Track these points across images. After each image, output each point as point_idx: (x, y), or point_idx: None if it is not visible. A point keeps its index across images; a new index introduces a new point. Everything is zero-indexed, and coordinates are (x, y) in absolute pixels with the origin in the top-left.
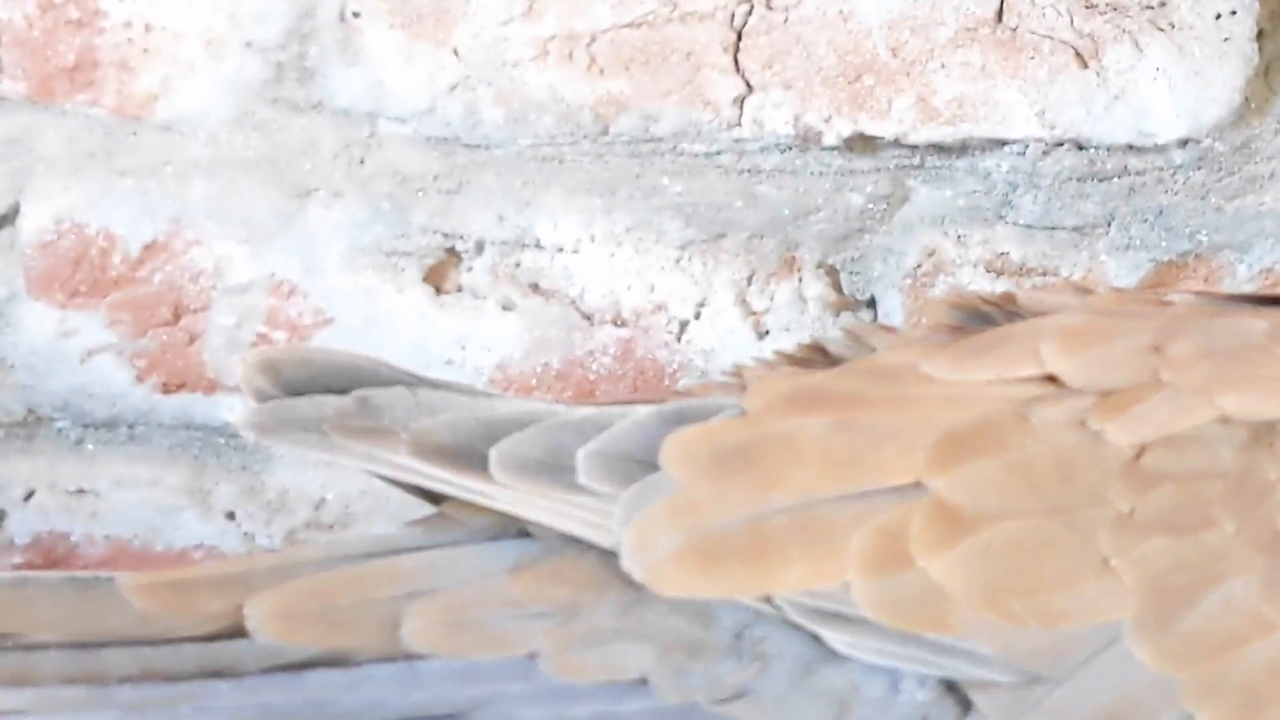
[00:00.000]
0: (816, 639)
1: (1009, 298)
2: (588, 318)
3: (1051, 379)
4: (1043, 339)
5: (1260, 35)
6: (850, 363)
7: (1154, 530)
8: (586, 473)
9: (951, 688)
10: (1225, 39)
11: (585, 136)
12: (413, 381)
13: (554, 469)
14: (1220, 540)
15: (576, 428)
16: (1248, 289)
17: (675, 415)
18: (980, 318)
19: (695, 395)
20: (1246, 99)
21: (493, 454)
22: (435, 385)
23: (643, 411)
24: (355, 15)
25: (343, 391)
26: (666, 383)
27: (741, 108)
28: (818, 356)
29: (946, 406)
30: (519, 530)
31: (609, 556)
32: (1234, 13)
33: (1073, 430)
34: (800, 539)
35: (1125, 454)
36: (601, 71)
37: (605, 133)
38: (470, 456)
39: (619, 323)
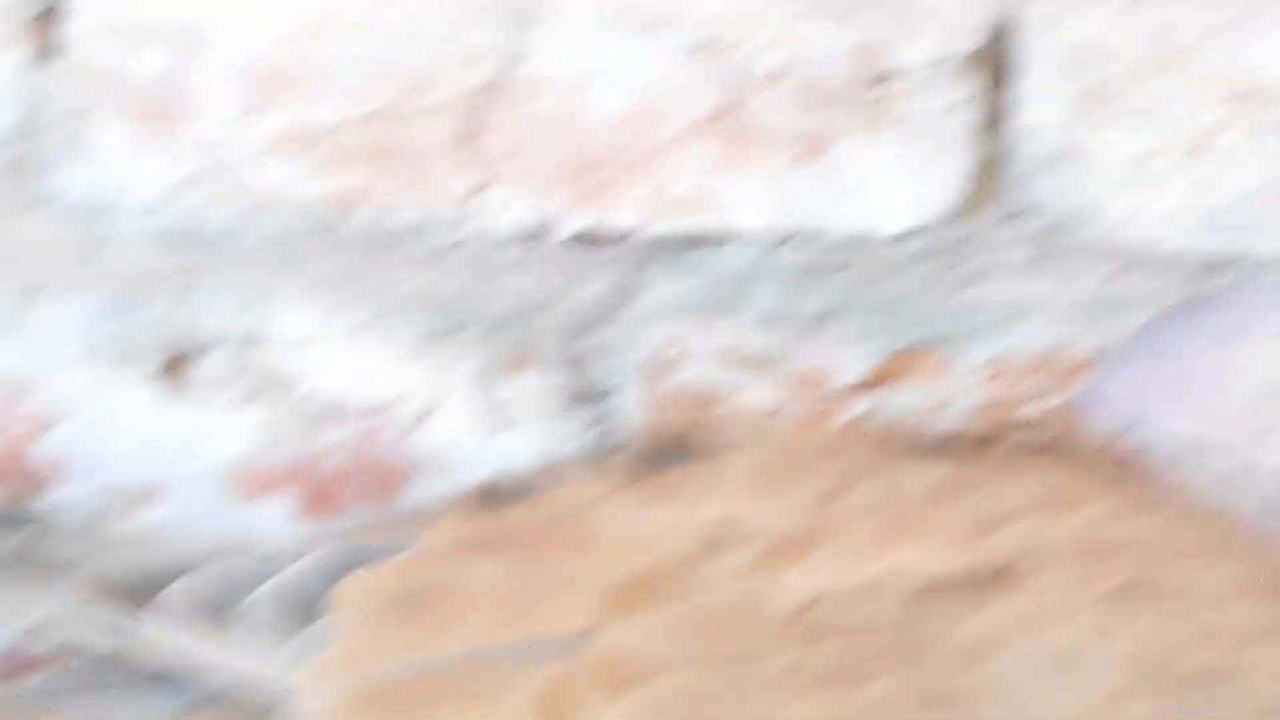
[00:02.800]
0: None
1: (699, 426)
2: (324, 413)
3: (731, 521)
4: (723, 480)
5: (985, 128)
6: (534, 499)
7: (819, 684)
8: (257, 616)
9: None
10: (950, 132)
11: (321, 230)
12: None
13: (223, 611)
14: (883, 694)
15: (250, 568)
16: (973, 378)
17: (352, 556)
18: (669, 452)
19: (376, 530)
20: (971, 191)
21: (163, 595)
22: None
23: (319, 552)
24: (85, 110)
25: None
26: (404, 477)
27: (477, 201)
28: (503, 493)
29: (624, 549)
30: (189, 673)
31: (281, 701)
32: (958, 106)
33: (747, 577)
34: (469, 689)
35: (797, 604)
36: (337, 165)
37: (342, 226)
38: (140, 595)
39: (356, 417)
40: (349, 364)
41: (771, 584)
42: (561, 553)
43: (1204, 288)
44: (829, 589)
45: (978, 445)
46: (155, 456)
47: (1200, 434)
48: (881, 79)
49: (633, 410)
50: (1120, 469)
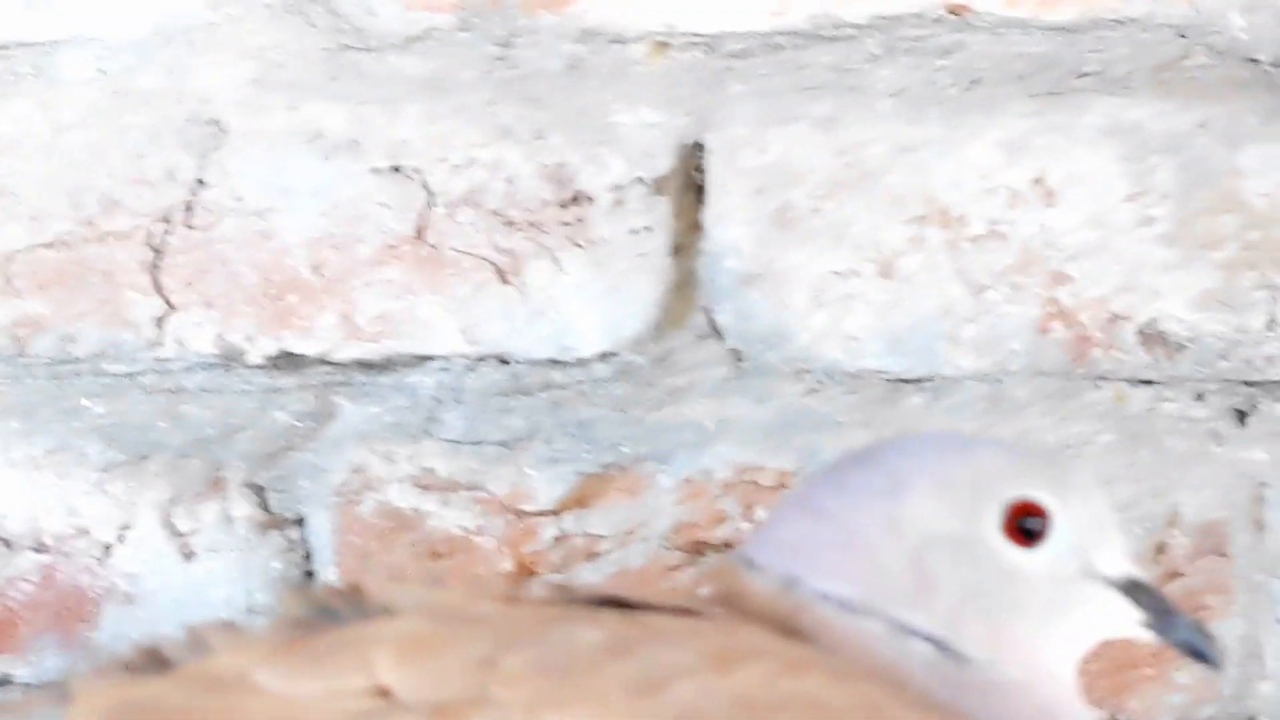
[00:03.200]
0: None
1: (357, 590)
2: (7, 544)
3: (384, 691)
4: (377, 647)
5: (675, 250)
6: (184, 669)
7: None
8: None
9: None
10: (641, 254)
11: (2, 358)
12: None
13: None
14: None
15: None
16: (670, 498)
17: None
18: (328, 612)
19: (16, 708)
20: (664, 312)
21: None
22: None
23: None
24: None
25: None
26: (90, 608)
27: (163, 327)
28: (152, 660)
29: None
30: None
31: None
32: (649, 228)
33: None
34: None
35: None
36: (18, 292)
37: (23, 354)
38: None
39: (40, 548)
40: (32, 494)
41: None
42: None
43: (893, 408)
44: None
45: (641, 604)
46: None
47: (854, 595)
48: (571, 202)
49: (325, 537)
50: (782, 628)
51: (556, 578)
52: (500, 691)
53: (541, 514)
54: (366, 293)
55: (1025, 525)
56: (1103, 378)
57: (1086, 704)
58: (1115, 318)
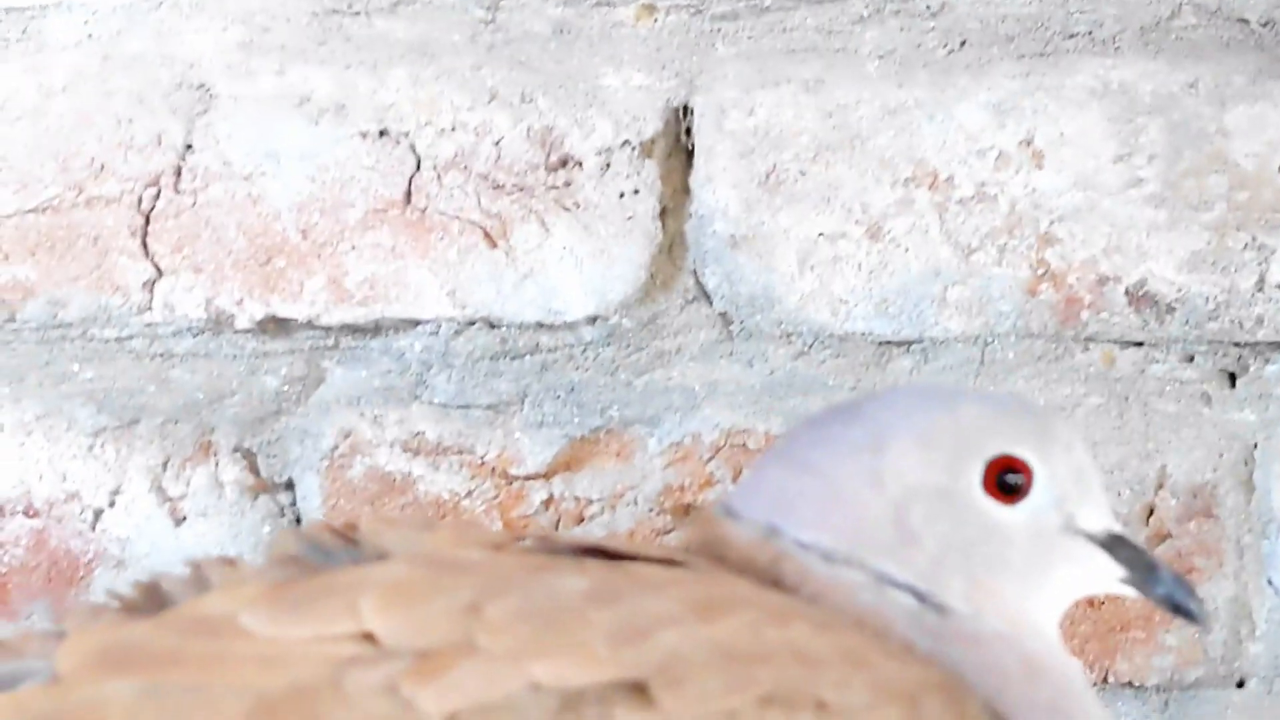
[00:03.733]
0: None
1: (351, 528)
2: None
3: (370, 637)
4: (364, 593)
5: (663, 213)
6: (175, 610)
7: None
8: None
9: None
10: (629, 218)
11: None
12: None
13: None
14: None
15: None
16: (658, 461)
17: None
18: (322, 551)
19: (8, 650)
20: (652, 276)
21: None
22: None
23: None
24: None
25: None
26: (81, 572)
27: (152, 292)
28: (150, 597)
29: (261, 669)
30: None
31: None
32: (636, 192)
33: (385, 697)
34: None
35: None
36: (6, 257)
37: (12, 319)
38: None
39: (31, 513)
40: (22, 459)
41: (410, 703)
42: (198, 670)
43: (882, 371)
44: (470, 706)
45: (625, 553)
46: None
47: (836, 546)
48: (559, 166)
49: (315, 501)
50: (763, 578)
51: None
52: (485, 639)
53: (530, 478)
54: (354, 257)
55: (1007, 481)
56: (1091, 339)
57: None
58: (1104, 279)
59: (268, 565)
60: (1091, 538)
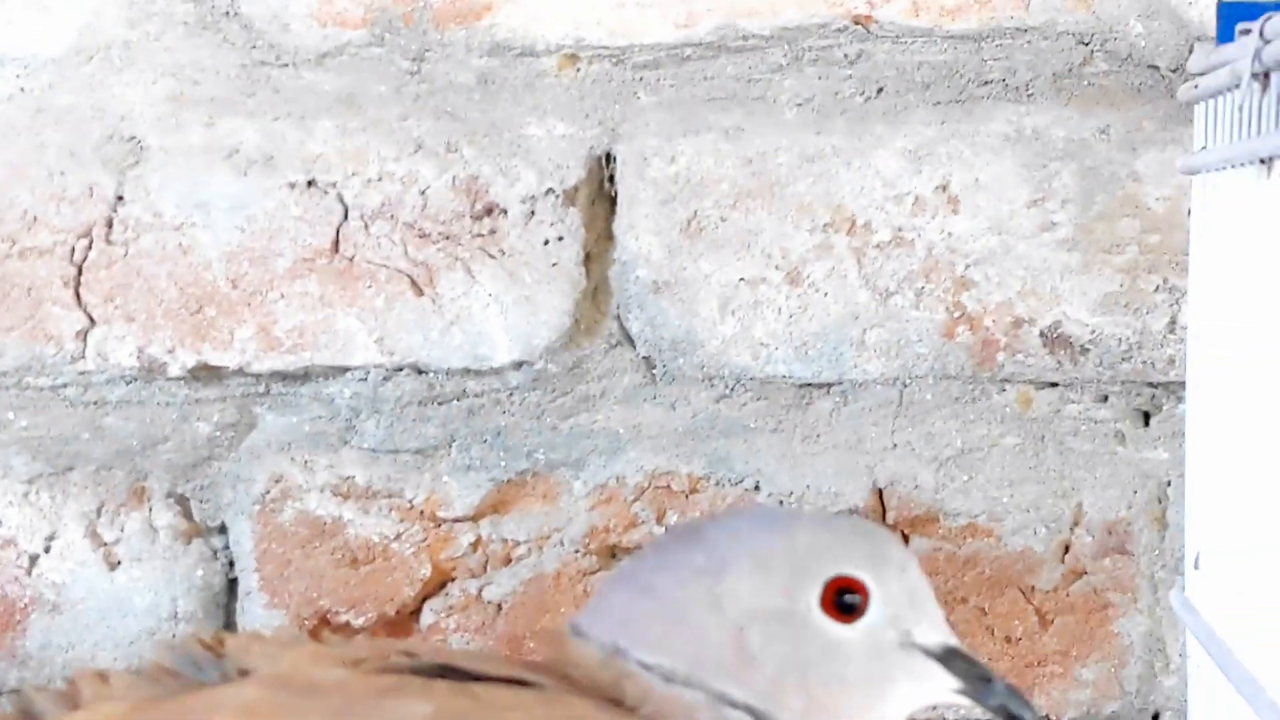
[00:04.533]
0: None
1: (220, 642)
2: None
3: None
4: (215, 716)
5: (587, 259)
6: None
7: None
8: None
9: None
10: (554, 264)
11: None
12: None
13: None
14: None
15: None
16: (584, 503)
17: None
18: (193, 663)
19: None
20: (576, 321)
21: None
22: None
23: None
24: None
25: None
26: (17, 617)
27: (85, 341)
28: (22, 716)
29: None
30: None
31: None
32: (561, 239)
33: None
34: None
35: None
36: None
37: None
38: None
39: None
40: None
41: None
42: None
43: (802, 413)
44: None
45: (477, 673)
46: None
47: (677, 667)
48: (484, 214)
49: (247, 545)
50: (607, 698)
51: (474, 584)
52: None
53: (458, 520)
54: (283, 305)
55: (844, 600)
56: (1008, 380)
57: None
58: (1019, 321)
59: (139, 680)
60: (927, 652)
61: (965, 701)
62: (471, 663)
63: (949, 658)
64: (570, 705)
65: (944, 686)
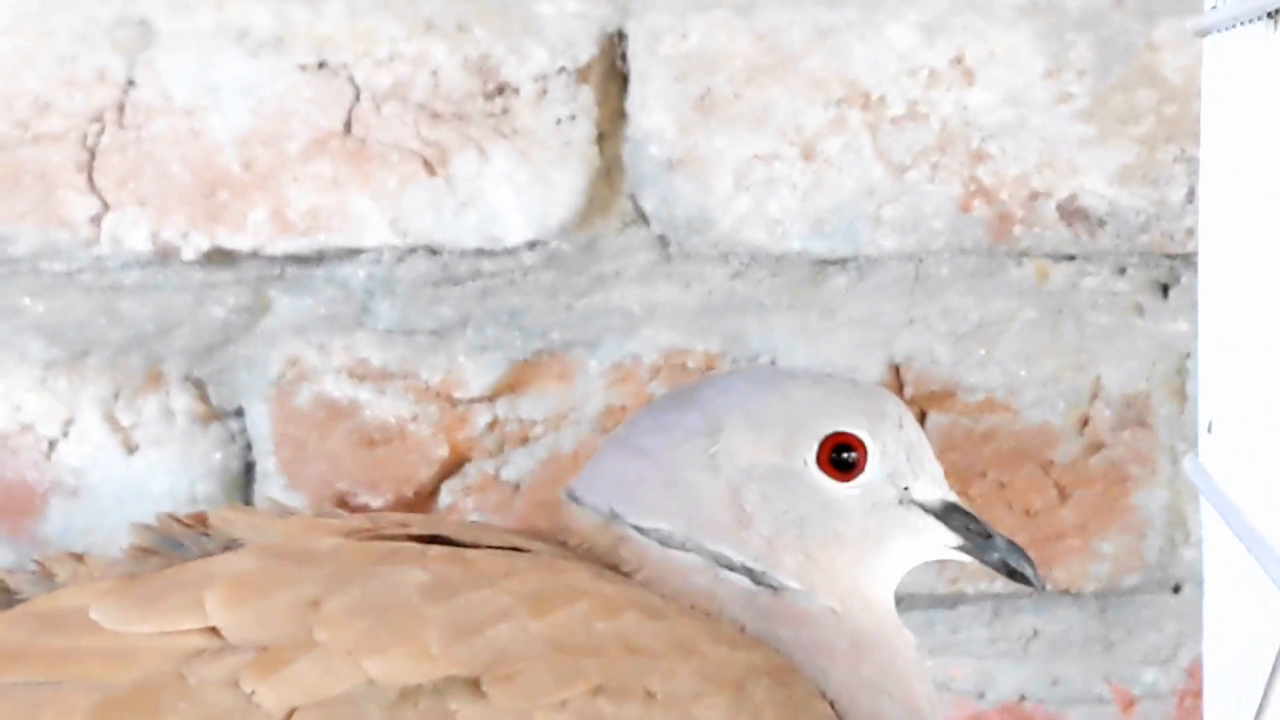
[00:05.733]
0: None
1: (202, 519)
2: None
3: (214, 631)
4: (209, 587)
5: (600, 138)
6: (25, 605)
7: None
8: None
9: None
10: (566, 143)
11: None
12: None
13: None
14: None
15: None
16: (600, 382)
17: None
18: (174, 542)
19: None
20: (590, 200)
21: None
22: None
23: None
24: None
25: None
26: (37, 502)
27: (99, 226)
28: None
29: (108, 664)
30: None
31: None
32: (573, 117)
33: (227, 691)
34: None
35: (275, 717)
36: None
37: None
38: None
39: None
40: None
41: (250, 698)
42: (46, 666)
43: (817, 289)
44: (308, 702)
45: (469, 542)
46: None
47: (673, 530)
48: (496, 94)
49: (264, 428)
50: (603, 563)
51: (491, 464)
52: (324, 634)
53: (474, 401)
54: (296, 188)
55: (840, 457)
56: (1024, 254)
57: (905, 628)
58: (1035, 194)
59: (120, 559)
60: (926, 508)
61: (964, 558)
62: (466, 532)
63: (948, 513)
64: (564, 571)
65: (942, 542)
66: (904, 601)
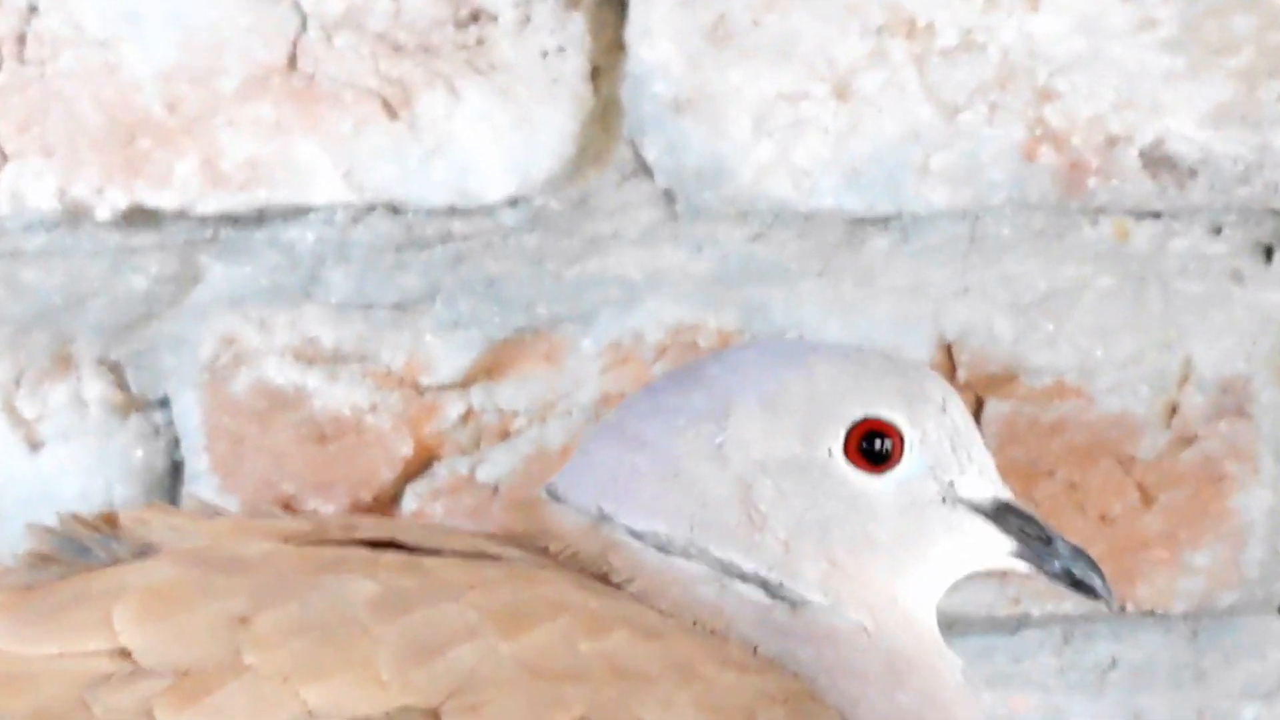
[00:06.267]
0: None
1: (112, 520)
2: None
3: (124, 653)
4: (118, 600)
5: (594, 74)
6: None
7: None
8: None
9: None
10: (554, 80)
11: None
12: None
13: None
14: None
15: None
16: (594, 365)
17: None
18: (78, 547)
19: None
20: (582, 148)
21: None
22: None
23: None
24: None
25: None
26: None
27: None
28: None
29: (2, 689)
30: None
31: None
32: (562, 49)
33: None
34: None
35: None
36: None
37: None
38: None
39: None
40: None
41: None
42: None
43: (853, 253)
44: None
45: (427, 548)
46: None
47: (673, 533)
48: (470, 21)
49: (194, 420)
50: (590, 572)
51: (464, 463)
52: (254, 656)
53: (444, 388)
54: (232, 133)
55: (872, 447)
56: (1101, 210)
57: (948, 648)
58: (1113, 139)
59: (14, 567)
60: (975, 507)
61: (1021, 567)
62: (425, 536)
63: (1000, 514)
64: (541, 583)
65: (996, 548)
66: (956, 625)
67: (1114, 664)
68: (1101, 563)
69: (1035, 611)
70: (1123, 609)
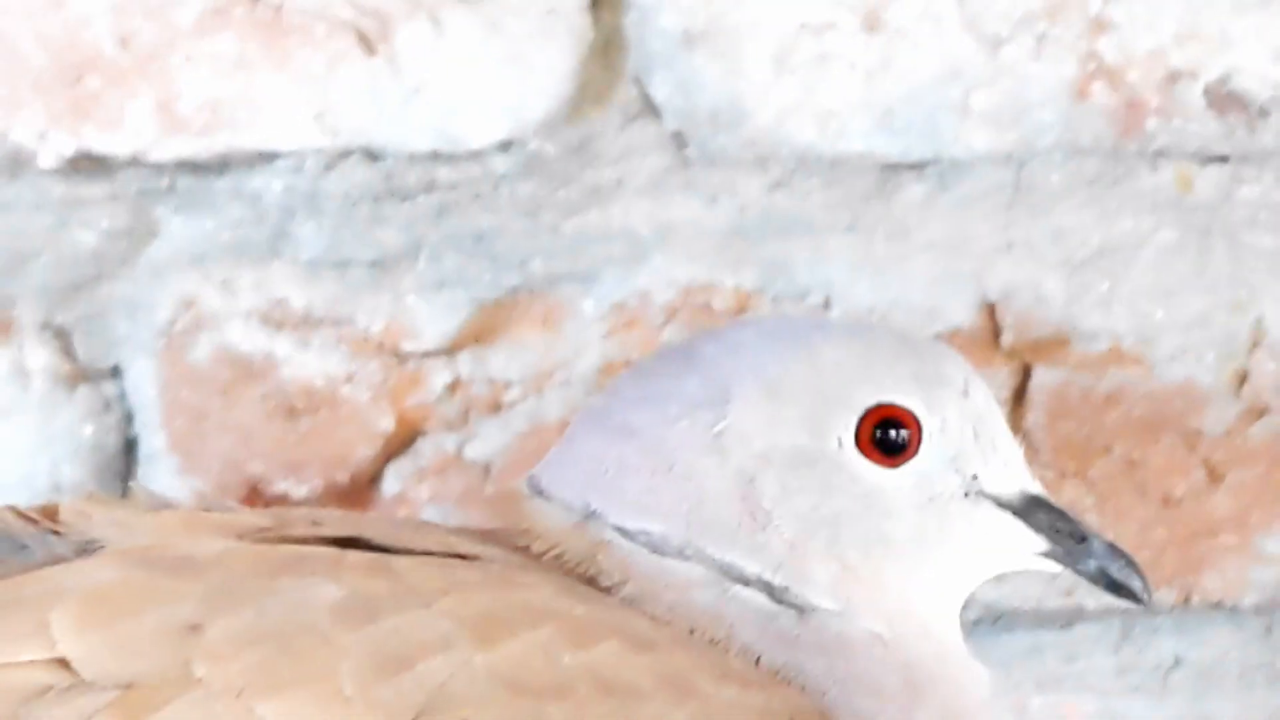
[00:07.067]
0: None
1: (51, 513)
2: None
3: (63, 664)
4: (56, 606)
5: (595, 3)
6: None
7: None
8: None
9: None
10: (549, 10)
11: None
12: None
13: None
14: None
15: None
16: (597, 329)
17: None
18: (13, 543)
19: None
20: (582, 86)
21: None
22: None
23: None
24: None
25: None
26: None
27: None
28: None
29: None
30: None
31: None
32: None
33: None
34: None
35: None
36: None
37: None
38: None
39: None
40: None
41: None
42: None
43: (886, 203)
44: None
45: (397, 548)
46: None
47: (667, 532)
48: None
49: (149, 392)
50: (576, 575)
51: (452, 439)
52: (205, 668)
53: (429, 355)
54: (190, 71)
55: (887, 436)
56: (1161, 155)
57: (975, 656)
58: (1175, 75)
59: None
60: (1000, 502)
61: (1052, 567)
62: (395, 534)
63: (1029, 509)
64: (521, 588)
65: (1024, 548)
66: (1001, 619)
67: (1177, 663)
68: (1164, 549)
69: (1090, 604)
70: (1187, 601)
